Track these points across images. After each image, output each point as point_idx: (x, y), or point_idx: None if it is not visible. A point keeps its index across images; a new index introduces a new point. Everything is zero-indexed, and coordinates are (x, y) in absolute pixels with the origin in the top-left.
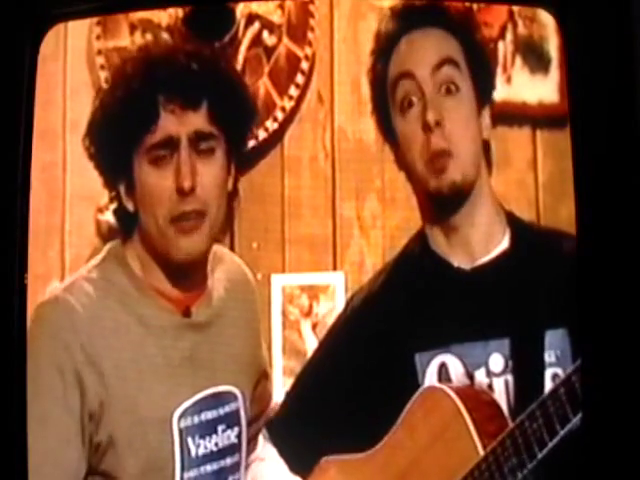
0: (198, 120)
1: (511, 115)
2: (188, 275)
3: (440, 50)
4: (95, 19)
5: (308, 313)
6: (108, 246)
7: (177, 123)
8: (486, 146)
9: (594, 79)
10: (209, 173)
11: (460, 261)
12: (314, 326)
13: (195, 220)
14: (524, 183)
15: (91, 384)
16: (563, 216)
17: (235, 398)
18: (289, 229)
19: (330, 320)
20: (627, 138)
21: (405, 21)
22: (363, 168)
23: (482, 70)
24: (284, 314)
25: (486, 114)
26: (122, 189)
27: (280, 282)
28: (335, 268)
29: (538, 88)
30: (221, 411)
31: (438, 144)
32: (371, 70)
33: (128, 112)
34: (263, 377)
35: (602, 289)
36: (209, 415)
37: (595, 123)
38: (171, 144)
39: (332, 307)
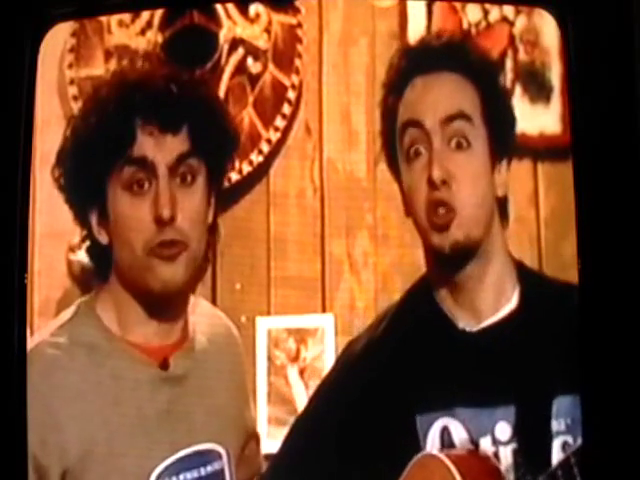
0: (178, 144)
1: None
2: (167, 320)
3: (454, 101)
4: (68, 45)
5: (295, 358)
6: (77, 302)
7: (155, 147)
8: (502, 202)
9: (594, 85)
10: (189, 203)
11: (466, 322)
12: (301, 372)
13: (175, 249)
14: (525, 219)
15: (51, 463)
16: (566, 255)
17: (219, 457)
18: (275, 268)
19: (319, 365)
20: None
21: (421, 60)
22: (354, 203)
23: (500, 122)
24: (270, 359)
25: (502, 169)
26: (94, 220)
27: (265, 325)
28: (324, 310)
29: (539, 118)
30: (203, 471)
31: (442, 200)
32: (383, 104)
33: (102, 136)
34: (252, 438)
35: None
36: (189, 476)
37: (598, 147)
38: (149, 169)
39: (321, 351)
